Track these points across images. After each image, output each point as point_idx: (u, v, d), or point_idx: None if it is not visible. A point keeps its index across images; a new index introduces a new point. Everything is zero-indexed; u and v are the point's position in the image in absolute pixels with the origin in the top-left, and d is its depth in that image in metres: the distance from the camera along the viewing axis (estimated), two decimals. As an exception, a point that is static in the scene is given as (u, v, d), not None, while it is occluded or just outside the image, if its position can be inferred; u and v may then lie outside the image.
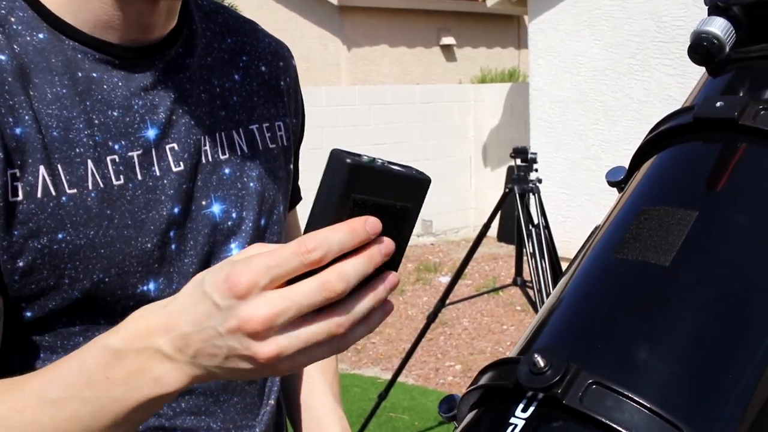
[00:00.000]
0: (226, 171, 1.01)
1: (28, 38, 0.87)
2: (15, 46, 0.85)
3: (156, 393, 0.69)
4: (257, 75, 1.10)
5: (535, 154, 4.29)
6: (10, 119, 0.83)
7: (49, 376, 0.73)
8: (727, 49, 0.77)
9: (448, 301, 4.38)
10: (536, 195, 4.22)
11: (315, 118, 7.50)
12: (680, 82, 6.80)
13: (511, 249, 8.08)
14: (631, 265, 0.67)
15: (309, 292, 0.62)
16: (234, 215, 1.01)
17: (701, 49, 0.79)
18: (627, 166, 0.86)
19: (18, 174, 0.83)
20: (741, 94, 0.77)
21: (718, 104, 0.73)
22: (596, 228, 0.77)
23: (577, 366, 0.59)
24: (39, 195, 0.84)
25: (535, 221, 4.11)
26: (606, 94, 7.36)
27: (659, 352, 0.62)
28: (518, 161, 4.32)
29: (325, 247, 0.62)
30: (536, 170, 4.31)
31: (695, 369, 0.61)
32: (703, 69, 0.86)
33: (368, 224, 0.64)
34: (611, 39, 7.27)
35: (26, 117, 0.84)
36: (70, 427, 0.71)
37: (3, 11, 0.86)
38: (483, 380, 0.68)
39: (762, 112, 0.71)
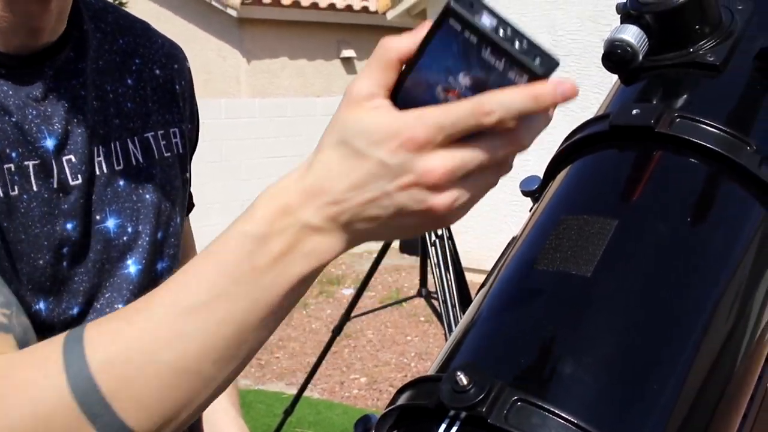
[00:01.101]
0: (121, 183, 0.95)
1: None
2: None
3: (309, 269, 0.64)
4: (151, 79, 1.03)
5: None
6: None
7: (180, 284, 0.66)
8: (641, 57, 0.77)
9: (353, 314, 4.35)
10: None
11: (214, 130, 7.39)
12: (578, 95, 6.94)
13: (413, 260, 8.10)
14: (552, 276, 0.66)
15: (492, 146, 0.61)
16: (129, 230, 0.95)
17: (615, 56, 0.79)
18: (541, 175, 0.85)
19: None
20: (655, 102, 0.77)
21: (634, 112, 0.73)
22: (513, 239, 0.75)
23: (501, 383, 0.57)
24: None
25: (439, 232, 4.13)
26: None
27: (584, 365, 0.60)
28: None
29: (503, 110, 0.59)
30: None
31: (620, 380, 0.60)
32: (612, 77, 0.86)
33: (559, 88, 0.59)
34: (509, 52, 7.38)
35: None
36: (223, 330, 0.64)
37: None
38: (401, 400, 0.66)
39: (678, 120, 0.71)
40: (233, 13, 9.86)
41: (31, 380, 0.64)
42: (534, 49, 0.60)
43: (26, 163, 0.85)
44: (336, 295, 7.34)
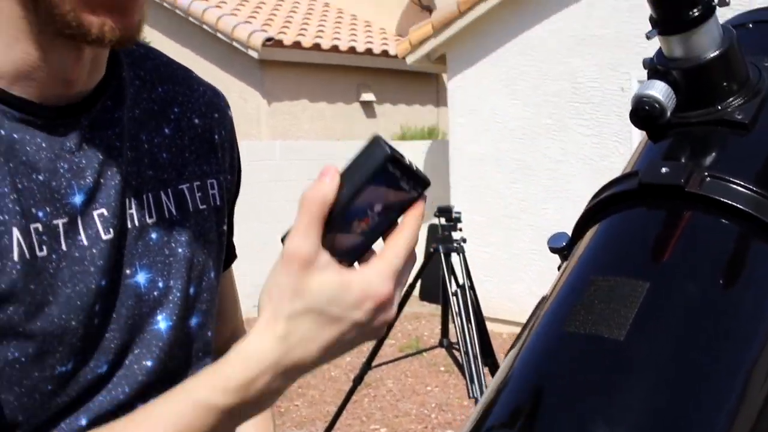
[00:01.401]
0: (153, 236, 0.93)
1: None
2: None
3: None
4: (190, 128, 1.01)
5: (459, 213, 4.30)
6: None
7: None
8: (668, 113, 0.77)
9: (373, 363, 4.32)
10: (461, 255, 4.21)
11: (234, 172, 7.40)
12: (596, 143, 6.95)
13: (433, 308, 8.07)
14: (583, 339, 0.65)
15: (405, 242, 0.76)
16: (160, 284, 0.93)
17: (642, 113, 0.78)
18: (569, 232, 0.84)
19: None
20: (683, 160, 0.76)
21: (663, 170, 0.72)
22: (543, 299, 0.74)
23: None
24: None
25: (460, 281, 4.10)
26: (524, 152, 7.48)
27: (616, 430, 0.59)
28: (442, 220, 4.32)
29: (416, 236, 0.77)
30: (460, 229, 4.32)
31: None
32: (631, 126, 0.85)
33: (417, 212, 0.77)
34: (528, 99, 7.41)
35: None
36: None
37: None
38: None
39: (708, 179, 0.70)
40: (255, 54, 9.95)
41: None
42: (418, 170, 0.76)
43: (55, 222, 0.83)
44: (354, 342, 7.30)
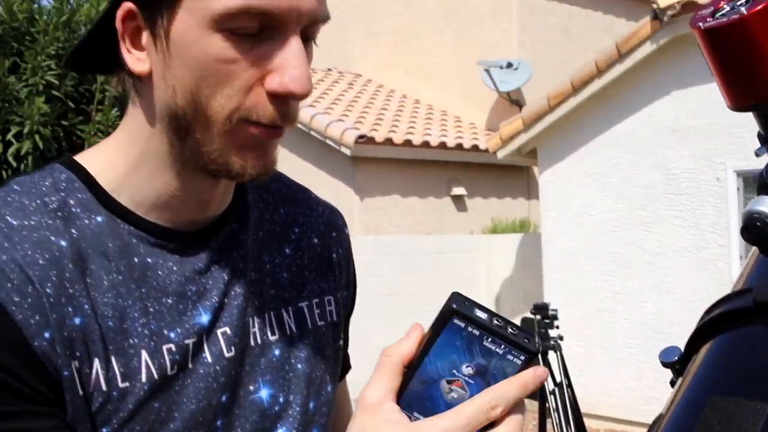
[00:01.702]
0: (275, 353, 0.97)
1: (87, 221, 0.85)
2: (73, 231, 0.84)
3: None
4: (309, 247, 1.06)
5: (556, 310, 4.25)
6: (70, 309, 0.80)
7: None
8: (780, 229, 0.77)
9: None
10: (558, 352, 4.15)
11: (328, 267, 7.48)
12: (692, 234, 6.82)
13: (527, 403, 7.90)
14: None
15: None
16: (281, 399, 0.96)
17: (754, 229, 0.78)
18: (681, 347, 0.84)
19: (78, 366, 0.80)
20: None
21: None
22: (659, 417, 0.74)
23: None
24: (90, 389, 0.81)
25: (558, 380, 4.03)
26: (618, 245, 7.38)
27: None
28: (538, 317, 4.27)
29: (504, 402, 0.69)
30: (557, 327, 4.26)
31: None
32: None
33: (537, 375, 0.70)
34: (621, 191, 7.35)
35: (85, 306, 0.81)
36: None
37: (62, 194, 0.85)
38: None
39: (825, 297, 0.70)
40: (347, 151, 10.14)
41: None
42: (521, 331, 0.71)
43: (185, 342, 0.88)
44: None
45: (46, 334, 0.78)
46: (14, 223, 0.81)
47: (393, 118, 11.47)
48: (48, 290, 0.79)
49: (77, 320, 0.81)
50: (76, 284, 0.82)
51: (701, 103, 6.71)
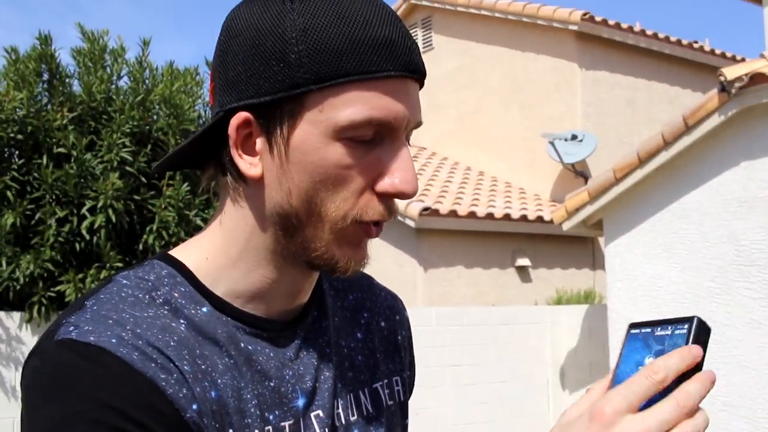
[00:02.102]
0: None
1: (193, 311, 0.90)
2: (182, 321, 0.89)
3: None
4: (377, 331, 1.12)
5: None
6: (206, 384, 0.85)
7: None
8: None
9: None
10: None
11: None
12: (764, 306, 6.68)
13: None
14: None
15: (668, 410, 0.73)
16: None
17: None
18: (752, 421, 0.84)
19: None
20: None
21: None
22: None
23: None
24: None
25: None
26: (687, 317, 7.24)
27: None
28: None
29: (665, 369, 0.75)
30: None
31: None
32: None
33: (692, 350, 0.76)
34: (689, 262, 7.25)
35: (218, 381, 0.87)
36: None
37: (166, 288, 0.90)
38: None
39: None
40: (411, 223, 10.20)
41: None
42: (686, 320, 0.81)
43: (282, 424, 0.93)
44: None
45: (194, 406, 0.83)
46: (137, 314, 0.86)
47: (457, 190, 11.53)
48: (186, 367, 0.84)
49: (213, 394, 0.86)
50: (203, 363, 0.87)
51: (770, 174, 6.64)
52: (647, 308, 7.56)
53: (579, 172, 11.52)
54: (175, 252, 0.96)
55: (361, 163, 0.87)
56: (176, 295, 0.90)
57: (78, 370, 0.79)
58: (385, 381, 1.09)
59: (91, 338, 0.81)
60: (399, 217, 10.31)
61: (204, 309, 0.91)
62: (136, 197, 5.99)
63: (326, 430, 0.96)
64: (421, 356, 7.70)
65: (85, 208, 5.71)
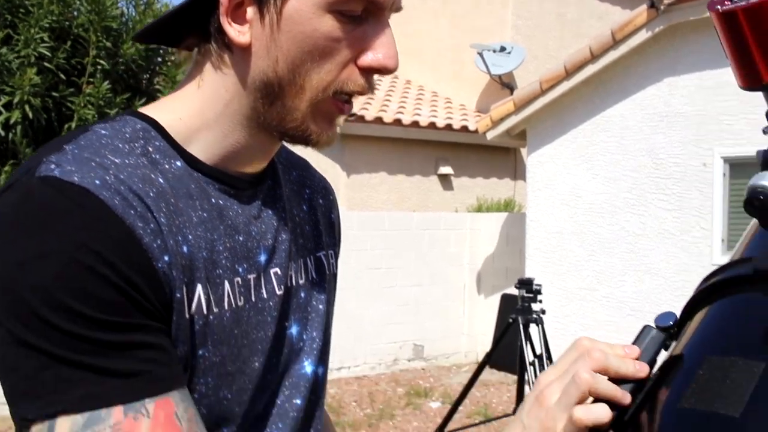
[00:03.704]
0: (302, 295, 1.08)
1: (167, 166, 0.92)
2: (159, 173, 0.90)
3: None
4: (317, 207, 1.18)
5: (540, 285, 4.33)
6: (179, 238, 0.88)
7: None
8: (783, 203, 0.80)
9: (446, 429, 4.32)
10: (540, 326, 4.22)
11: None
12: (676, 217, 6.90)
13: (501, 375, 8.00)
14: (698, 415, 0.68)
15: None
16: (305, 336, 1.08)
17: (757, 202, 0.81)
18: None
19: (185, 290, 0.88)
20: None
21: None
22: (648, 378, 0.78)
23: None
24: (193, 312, 0.89)
25: (538, 351, 4.10)
26: (602, 226, 7.46)
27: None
28: (523, 292, 4.34)
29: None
30: (540, 301, 4.33)
31: None
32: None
33: (638, 364, 0.80)
34: (608, 174, 7.42)
35: (189, 236, 0.89)
36: None
37: (142, 141, 0.91)
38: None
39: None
40: (336, 129, 10.13)
41: None
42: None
43: (249, 276, 0.98)
44: (423, 408, 7.27)
45: (166, 258, 0.85)
46: (118, 161, 0.87)
47: (384, 97, 11.46)
48: (162, 219, 0.86)
49: (185, 248, 0.88)
50: (178, 218, 0.89)
51: (693, 90, 6.78)
52: (565, 217, 7.74)
53: (505, 84, 11.55)
54: (145, 110, 0.97)
55: (348, 37, 0.91)
56: (151, 149, 0.92)
57: (59, 209, 0.80)
58: (324, 253, 1.16)
59: (75, 178, 0.82)
60: (324, 121, 10.20)
61: (178, 163, 0.93)
62: (54, 94, 5.80)
63: (282, 287, 1.02)
64: (342, 259, 7.80)
65: (1, 103, 5.51)
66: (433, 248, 9.00)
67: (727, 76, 6.03)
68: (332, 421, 1.35)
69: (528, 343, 4.18)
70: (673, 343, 0.82)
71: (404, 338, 8.79)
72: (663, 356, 0.82)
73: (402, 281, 8.72)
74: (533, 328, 4.28)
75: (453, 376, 8.47)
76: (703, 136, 6.74)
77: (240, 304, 0.96)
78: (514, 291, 4.43)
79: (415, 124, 10.62)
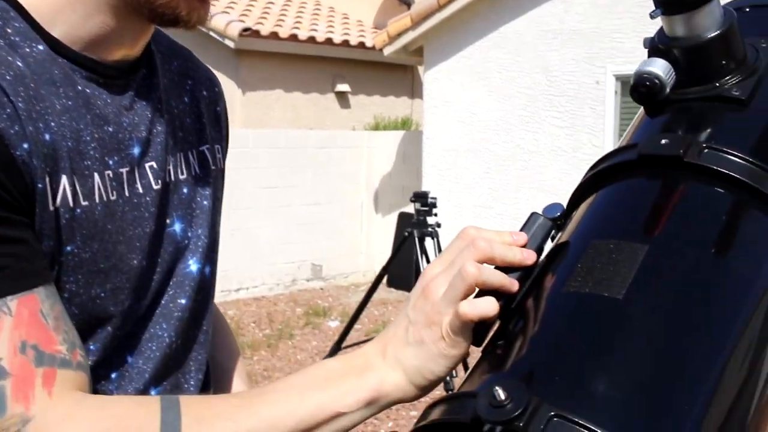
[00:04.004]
0: (184, 190, 1.03)
1: (27, 50, 0.85)
2: (18, 57, 0.84)
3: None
4: (202, 99, 1.11)
5: (435, 198, 4.35)
6: (41, 125, 0.82)
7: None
8: (668, 89, 0.79)
9: (343, 346, 4.35)
10: (435, 239, 4.26)
11: (208, 159, 7.38)
12: (569, 134, 7.03)
13: (400, 294, 8.11)
14: (584, 297, 0.67)
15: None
16: (190, 233, 1.03)
17: (643, 88, 0.80)
18: (563, 203, 0.86)
19: (49, 181, 0.82)
20: (680, 133, 0.79)
21: (663, 142, 0.75)
22: (536, 265, 0.77)
23: (538, 398, 0.59)
24: (58, 204, 0.83)
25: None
26: (497, 144, 7.55)
27: (617, 383, 0.62)
28: (418, 205, 4.36)
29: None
30: (435, 214, 4.36)
31: (651, 397, 0.61)
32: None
33: (525, 252, 0.78)
34: (503, 90, 7.47)
35: (51, 124, 0.84)
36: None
37: (0, 22, 0.85)
38: (434, 415, 0.66)
39: (706, 150, 0.72)
40: (231, 44, 9.91)
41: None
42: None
43: (121, 170, 0.92)
44: (322, 327, 7.33)
45: (25, 145, 0.80)
46: None
47: (279, 12, 11.25)
48: (20, 104, 0.80)
49: (47, 136, 0.83)
50: (39, 104, 0.83)
51: (587, 7, 6.84)
52: (461, 134, 7.80)
53: (403, 0, 11.46)
54: None
55: None
56: (10, 30, 0.85)
57: None
58: (208, 147, 1.10)
59: None
60: (218, 38, 9.98)
61: (40, 47, 0.87)
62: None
63: (159, 182, 0.97)
64: (237, 178, 7.68)
65: None
66: (329, 167, 8.96)
67: (620, -8, 6.11)
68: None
69: (423, 256, 4.22)
70: (559, 234, 0.81)
71: (302, 258, 8.78)
72: (550, 246, 0.80)
73: (299, 200, 8.67)
74: (429, 242, 4.32)
75: (351, 295, 8.53)
76: (596, 54, 6.83)
77: (113, 198, 0.91)
78: (411, 209, 4.45)
79: (312, 39, 10.48)
